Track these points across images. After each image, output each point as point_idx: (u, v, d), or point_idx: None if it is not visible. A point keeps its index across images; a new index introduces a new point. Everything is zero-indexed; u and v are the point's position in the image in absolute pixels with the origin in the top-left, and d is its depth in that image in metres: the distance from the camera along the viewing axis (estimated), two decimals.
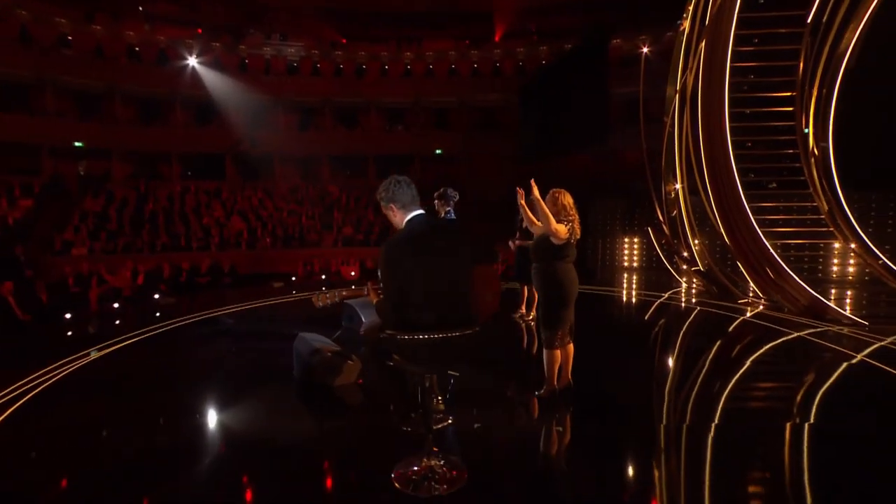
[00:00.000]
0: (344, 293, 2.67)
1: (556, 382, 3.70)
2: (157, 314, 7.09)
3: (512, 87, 18.82)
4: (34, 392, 4.02)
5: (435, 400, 2.66)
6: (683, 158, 8.49)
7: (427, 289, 2.36)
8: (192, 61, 18.09)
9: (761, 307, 6.79)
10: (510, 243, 5.99)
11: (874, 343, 5.07)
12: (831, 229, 6.97)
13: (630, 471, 2.86)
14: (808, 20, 7.26)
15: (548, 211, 3.45)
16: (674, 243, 8.59)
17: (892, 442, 3.11)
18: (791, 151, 7.39)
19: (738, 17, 7.10)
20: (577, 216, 3.60)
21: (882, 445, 3.04)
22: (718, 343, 5.39)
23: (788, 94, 7.47)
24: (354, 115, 20.89)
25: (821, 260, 7.45)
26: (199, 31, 18.89)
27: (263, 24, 19.49)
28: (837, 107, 6.99)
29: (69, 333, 6.45)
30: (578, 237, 3.61)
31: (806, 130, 7.42)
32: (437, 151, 20.31)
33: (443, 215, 5.00)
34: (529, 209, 3.86)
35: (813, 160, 7.13)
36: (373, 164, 20.48)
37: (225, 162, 19.61)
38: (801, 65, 7.36)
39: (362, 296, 2.72)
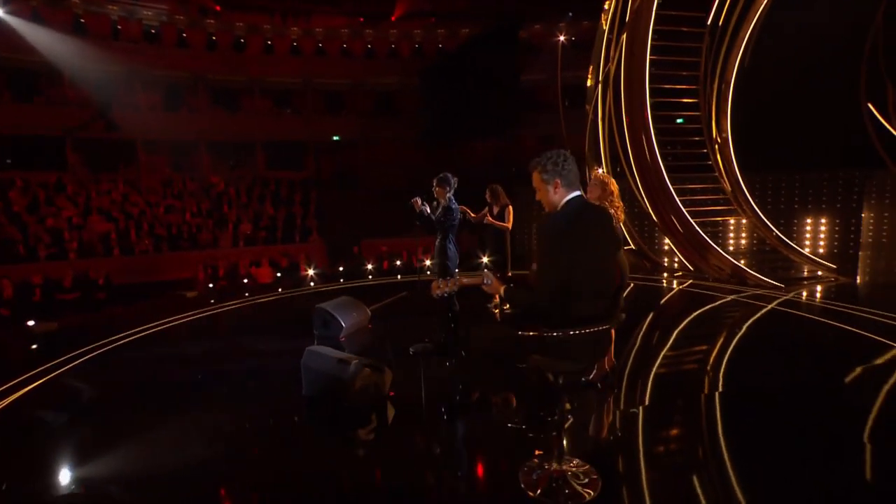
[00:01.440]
0: (464, 280, 2.30)
1: (606, 365, 3.73)
2: (35, 346, 5.47)
3: (410, 70, 18.33)
4: None
5: (565, 399, 2.45)
6: (607, 143, 9.20)
7: (590, 277, 2.11)
8: None
9: (681, 276, 7.73)
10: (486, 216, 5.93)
11: (781, 297, 6.62)
12: (733, 207, 8.20)
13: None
14: (708, 21, 8.33)
15: None
16: None
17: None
18: (697, 139, 8.46)
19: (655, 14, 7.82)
20: (621, 203, 3.63)
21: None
22: (653, 314, 6.22)
23: (693, 87, 8.50)
24: (236, 95, 18.46)
25: (720, 234, 8.74)
26: None
27: None
28: (734, 100, 8.19)
29: None
30: (622, 221, 3.66)
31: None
32: (335, 138, 19.08)
33: (443, 202, 4.64)
34: None
35: (717, 147, 8.27)
36: (261, 151, 18.43)
37: (65, 147, 15.86)
38: (703, 62, 8.44)
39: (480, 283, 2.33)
